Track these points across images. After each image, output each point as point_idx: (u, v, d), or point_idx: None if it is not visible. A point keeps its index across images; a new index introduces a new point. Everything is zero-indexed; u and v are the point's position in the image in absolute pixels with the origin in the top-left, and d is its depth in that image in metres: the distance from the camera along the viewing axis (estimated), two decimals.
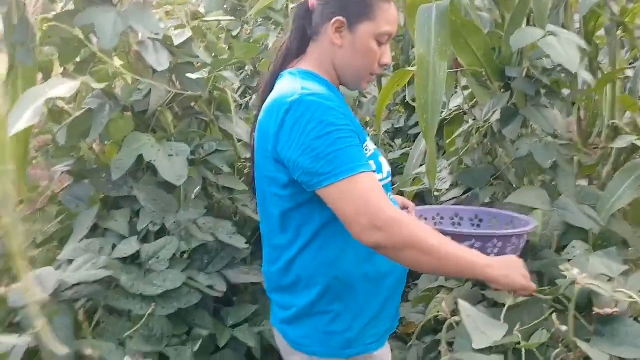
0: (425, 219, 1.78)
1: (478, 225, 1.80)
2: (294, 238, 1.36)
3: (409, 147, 3.23)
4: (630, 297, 1.17)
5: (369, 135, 1.51)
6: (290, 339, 1.45)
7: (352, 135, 1.25)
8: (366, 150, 1.36)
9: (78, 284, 1.75)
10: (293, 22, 1.44)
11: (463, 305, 1.24)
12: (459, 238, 1.39)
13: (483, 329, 1.20)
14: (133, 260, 1.97)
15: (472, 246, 1.42)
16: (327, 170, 1.20)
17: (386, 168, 1.44)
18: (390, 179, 1.46)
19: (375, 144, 1.54)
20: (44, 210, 2.74)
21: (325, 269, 1.35)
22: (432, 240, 1.20)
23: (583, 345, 1.14)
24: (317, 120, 1.22)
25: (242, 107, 3.70)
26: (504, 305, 1.44)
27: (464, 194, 2.18)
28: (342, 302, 1.38)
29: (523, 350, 1.20)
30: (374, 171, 1.31)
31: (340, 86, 1.46)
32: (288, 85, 1.32)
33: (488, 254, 1.39)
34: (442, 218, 1.81)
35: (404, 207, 1.68)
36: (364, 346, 1.41)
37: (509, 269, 1.27)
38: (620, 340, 1.17)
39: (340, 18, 1.33)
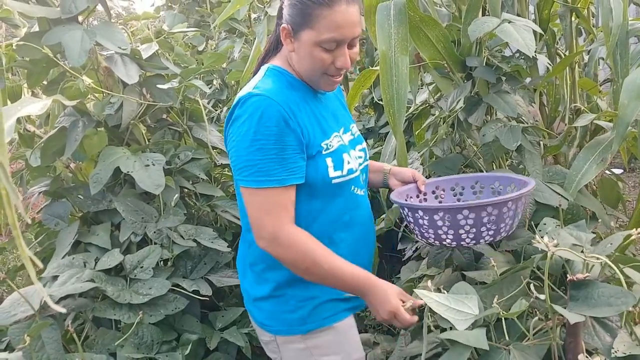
0: (444, 190, 1.79)
1: (499, 192, 1.75)
2: (248, 227, 1.46)
3: (380, 146, 3.29)
4: (599, 259, 1.22)
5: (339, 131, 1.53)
6: (257, 320, 1.55)
7: (278, 146, 1.31)
8: (328, 147, 1.42)
9: (65, 298, 1.77)
10: (276, 18, 1.48)
11: (422, 294, 1.26)
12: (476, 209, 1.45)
13: (455, 307, 1.25)
14: (117, 272, 1.98)
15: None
16: (245, 173, 1.34)
17: (350, 165, 1.47)
18: (353, 175, 1.48)
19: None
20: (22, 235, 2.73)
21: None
22: (307, 262, 1.33)
23: (560, 309, 1.18)
24: (249, 124, 1.31)
25: (214, 119, 3.73)
26: (484, 284, 1.50)
27: None
28: (296, 287, 1.46)
29: (504, 320, 1.24)
30: (292, 183, 1.35)
31: None
32: (250, 83, 1.42)
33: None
34: (462, 188, 1.80)
35: (415, 180, 1.75)
36: (320, 320, 1.49)
37: (376, 304, 1.37)
38: (595, 301, 1.21)
39: (286, 26, 1.37)
